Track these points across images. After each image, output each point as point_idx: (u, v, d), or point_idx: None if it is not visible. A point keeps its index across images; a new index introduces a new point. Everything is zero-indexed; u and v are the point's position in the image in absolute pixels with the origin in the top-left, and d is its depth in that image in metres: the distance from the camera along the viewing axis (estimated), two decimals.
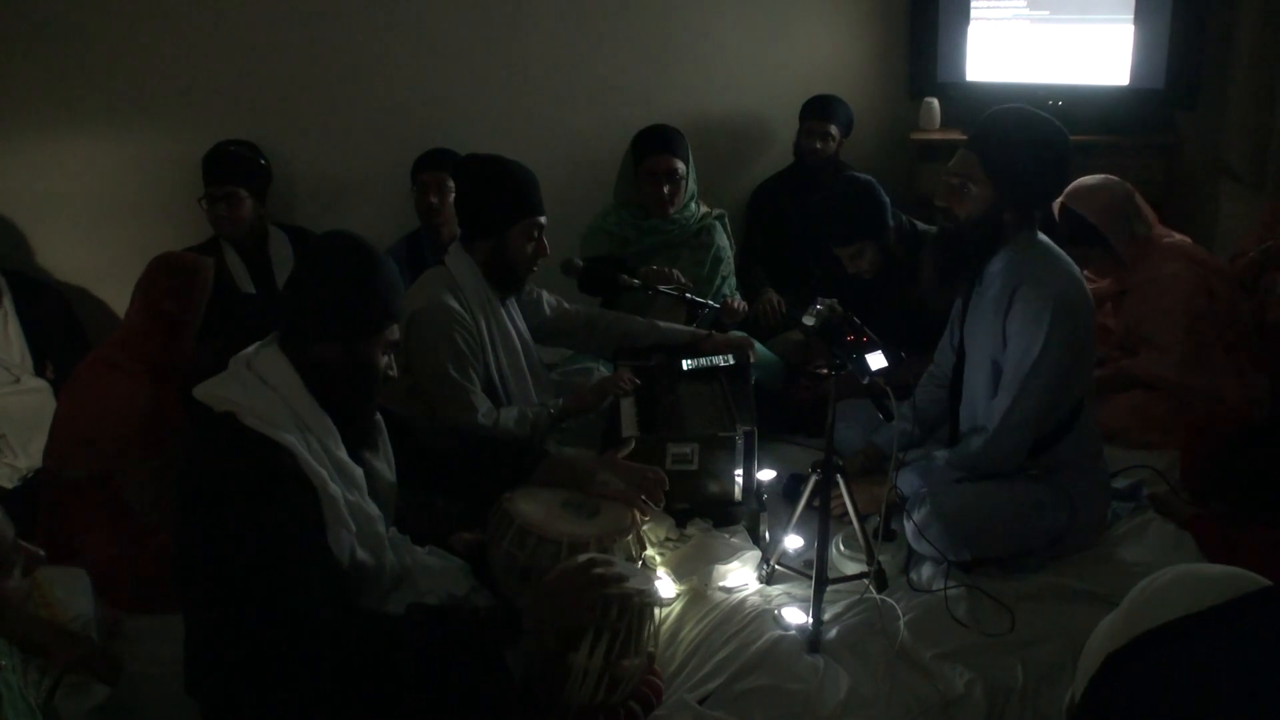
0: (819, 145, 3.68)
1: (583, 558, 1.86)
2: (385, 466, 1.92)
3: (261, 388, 1.69)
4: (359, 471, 1.80)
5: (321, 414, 1.73)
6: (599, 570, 1.78)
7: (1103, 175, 2.95)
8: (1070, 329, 2.16)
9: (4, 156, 3.49)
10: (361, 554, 1.77)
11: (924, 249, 2.40)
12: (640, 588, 1.83)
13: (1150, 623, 0.92)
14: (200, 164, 3.30)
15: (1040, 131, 2.16)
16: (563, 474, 2.13)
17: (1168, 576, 0.97)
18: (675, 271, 3.05)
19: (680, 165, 3.09)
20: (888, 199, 2.88)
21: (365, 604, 1.79)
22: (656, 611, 1.89)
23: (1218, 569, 0.97)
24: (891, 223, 2.88)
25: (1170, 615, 0.92)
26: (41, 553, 1.47)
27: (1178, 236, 2.99)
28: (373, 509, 1.81)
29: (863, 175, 2.96)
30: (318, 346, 1.72)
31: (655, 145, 3.10)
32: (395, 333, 1.79)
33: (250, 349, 1.75)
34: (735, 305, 3.10)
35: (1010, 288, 2.21)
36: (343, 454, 1.76)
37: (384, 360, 1.79)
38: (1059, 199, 2.92)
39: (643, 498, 2.11)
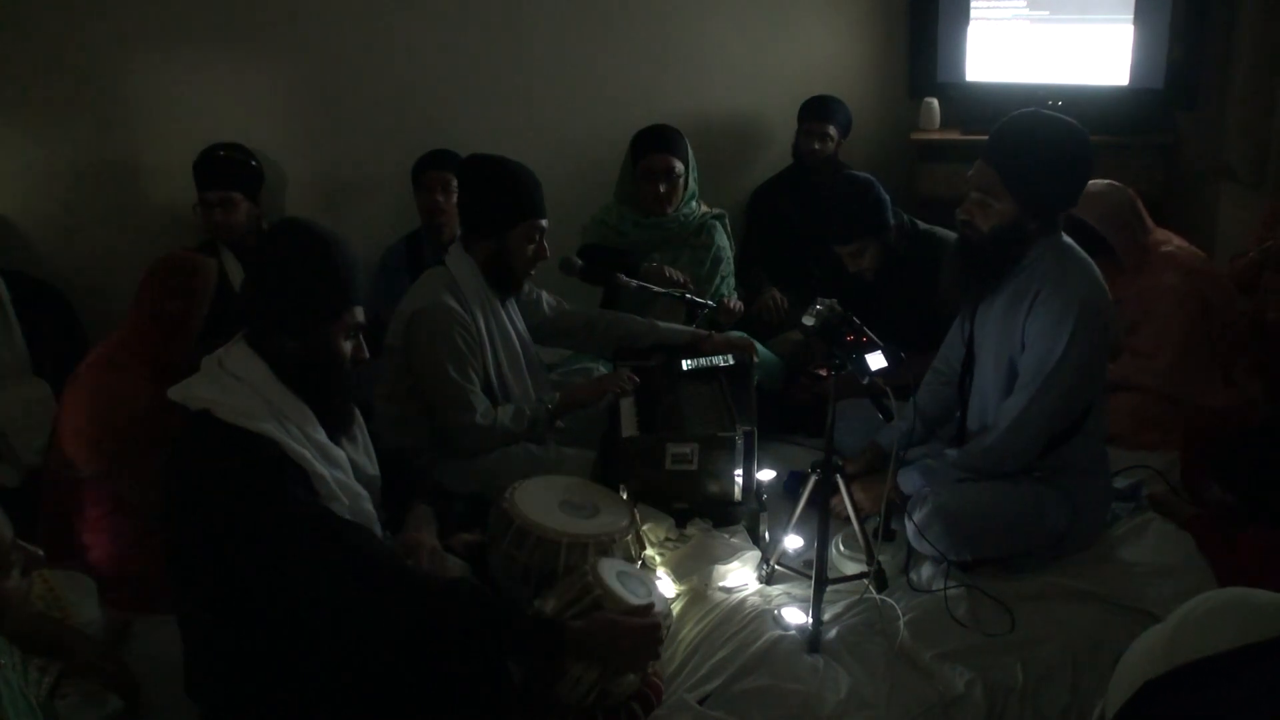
0: (817, 146, 3.69)
1: (647, 614, 1.82)
2: (366, 460, 1.92)
3: (234, 383, 1.69)
4: (341, 453, 1.81)
5: (297, 402, 1.73)
6: (664, 632, 1.79)
7: (1106, 181, 2.95)
8: (1092, 334, 2.16)
9: (5, 156, 3.49)
10: None
11: (944, 258, 2.39)
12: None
13: (1194, 652, 0.88)
14: (193, 166, 3.30)
15: (1058, 139, 2.13)
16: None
17: (1216, 602, 0.92)
18: (675, 271, 3.05)
19: (677, 164, 3.09)
20: (888, 197, 2.88)
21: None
22: (662, 635, 1.90)
23: (1269, 598, 0.91)
24: (892, 221, 2.88)
25: (1215, 647, 0.87)
26: (41, 553, 1.47)
27: (1176, 242, 2.98)
28: (359, 488, 1.82)
29: (862, 174, 2.95)
30: (279, 339, 1.72)
31: (653, 144, 3.10)
32: (357, 316, 1.77)
33: (221, 348, 1.76)
34: (732, 305, 3.09)
35: (1031, 291, 2.20)
36: (323, 437, 1.77)
37: (347, 345, 1.77)
38: None
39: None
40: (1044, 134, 2.14)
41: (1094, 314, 2.16)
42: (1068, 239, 2.25)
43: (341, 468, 1.79)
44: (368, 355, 1.83)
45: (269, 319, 1.72)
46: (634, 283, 2.92)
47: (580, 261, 2.97)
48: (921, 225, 2.96)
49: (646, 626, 1.77)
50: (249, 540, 1.59)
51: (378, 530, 1.86)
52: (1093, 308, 2.16)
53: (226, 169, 3.27)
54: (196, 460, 1.66)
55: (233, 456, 1.63)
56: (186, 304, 2.42)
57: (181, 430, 1.71)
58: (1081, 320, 2.14)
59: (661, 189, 3.09)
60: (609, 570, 1.91)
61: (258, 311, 1.74)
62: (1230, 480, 2.42)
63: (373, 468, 1.92)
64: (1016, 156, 2.14)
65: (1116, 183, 2.95)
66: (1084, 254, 2.25)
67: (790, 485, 2.62)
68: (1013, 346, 2.25)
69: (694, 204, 3.22)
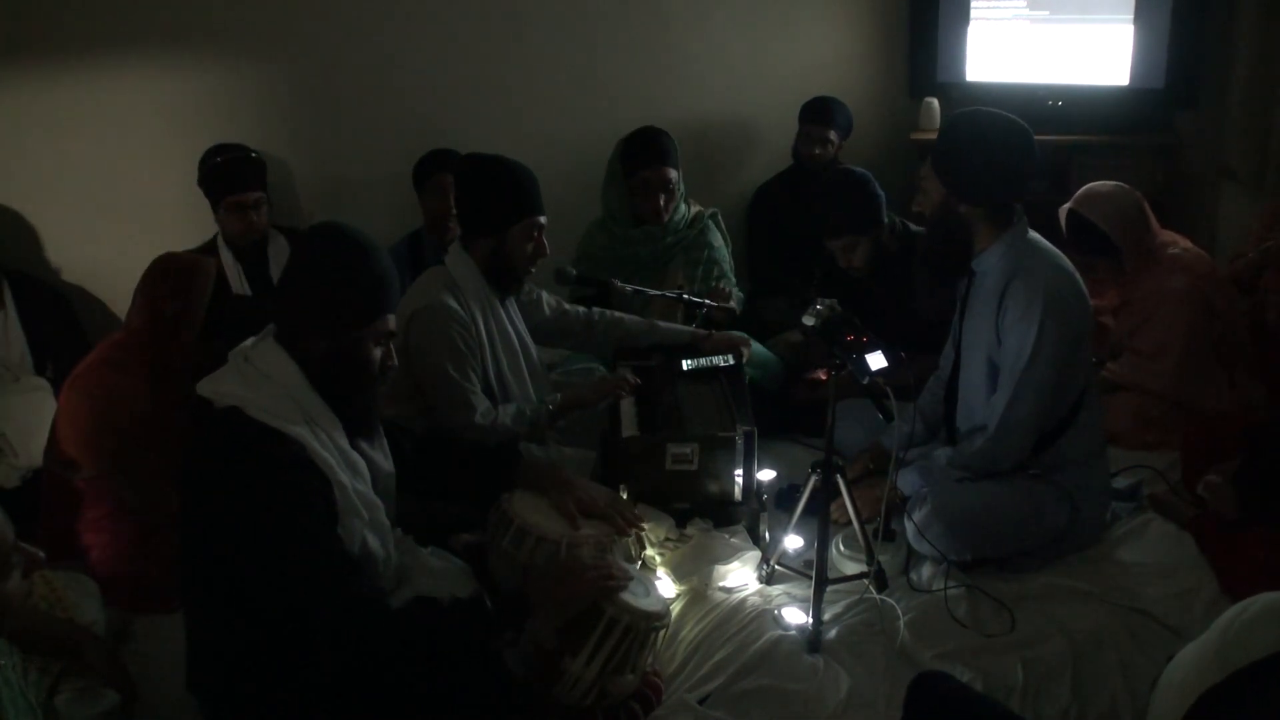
0: (818, 151, 3.69)
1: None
2: (382, 457, 1.92)
3: (264, 381, 1.69)
4: (362, 462, 1.81)
5: (323, 405, 1.74)
6: (602, 559, 1.82)
7: (1114, 183, 2.95)
8: (1063, 323, 2.17)
9: (8, 156, 3.49)
10: (372, 541, 1.78)
11: (914, 260, 2.43)
12: (653, 611, 1.84)
13: (1246, 658, 0.90)
14: (208, 172, 3.27)
15: (987, 129, 2.19)
16: (535, 480, 2.12)
17: (1256, 608, 0.94)
18: (678, 279, 3.05)
19: (674, 174, 3.07)
20: (883, 195, 2.89)
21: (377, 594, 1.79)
22: (661, 636, 1.90)
23: None
24: (886, 220, 2.89)
25: (1267, 650, 0.89)
26: (41, 554, 1.47)
27: (1182, 245, 2.98)
28: (376, 499, 1.82)
29: (859, 169, 2.96)
30: (310, 339, 1.72)
31: (648, 157, 3.07)
32: (389, 323, 1.78)
33: (247, 343, 1.76)
34: (725, 290, 3.08)
35: (1001, 286, 2.22)
36: (345, 444, 1.77)
37: (378, 352, 1.78)
38: (1068, 204, 2.92)
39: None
40: (972, 121, 2.22)
41: (1060, 303, 2.17)
42: (1035, 235, 2.27)
43: (362, 477, 1.79)
44: (395, 363, 1.83)
45: (303, 319, 1.72)
46: (629, 288, 2.91)
47: (574, 271, 2.96)
48: (913, 227, 2.97)
49: (586, 560, 1.86)
50: (260, 539, 1.60)
51: (391, 546, 1.86)
52: (1058, 297, 2.17)
53: (251, 169, 3.26)
54: (222, 456, 1.65)
55: (260, 454, 1.63)
56: (185, 304, 2.43)
57: (205, 426, 1.70)
58: (1049, 310, 2.15)
59: (660, 201, 3.08)
60: None
61: (292, 310, 1.74)
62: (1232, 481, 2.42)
63: (388, 465, 1.92)
64: (943, 140, 2.30)
65: (1124, 184, 2.95)
66: (1052, 248, 2.27)
67: (784, 500, 2.60)
68: (989, 344, 2.27)
69: (683, 205, 3.20)
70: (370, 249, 1.75)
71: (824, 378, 2.76)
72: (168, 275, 2.45)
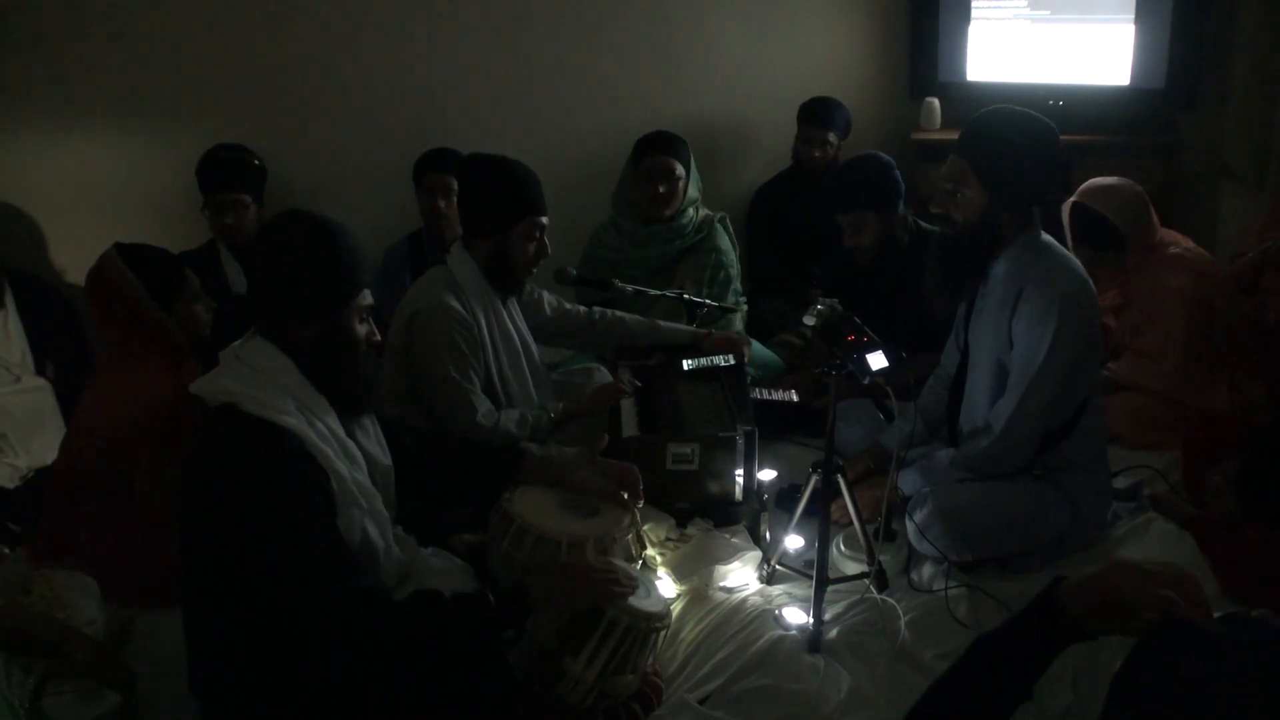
0: (817, 154, 3.69)
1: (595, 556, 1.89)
2: (379, 450, 1.92)
3: (256, 375, 1.69)
4: (359, 452, 1.81)
5: (317, 395, 1.74)
6: (610, 559, 1.81)
7: (1117, 176, 2.95)
8: (1077, 329, 2.16)
9: (12, 157, 3.49)
10: (373, 532, 1.78)
11: (927, 256, 2.40)
12: (654, 611, 1.84)
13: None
14: (202, 165, 3.28)
15: (1028, 130, 2.16)
16: (543, 473, 2.11)
17: None
18: (684, 281, 3.05)
19: (677, 166, 3.09)
20: (903, 185, 2.90)
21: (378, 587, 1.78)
22: (661, 636, 1.90)
23: None
24: (900, 210, 2.89)
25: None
26: (7, 550, 1.46)
27: (1184, 244, 2.97)
28: (374, 489, 1.82)
29: (885, 155, 2.97)
30: (296, 328, 1.73)
31: (652, 146, 3.10)
32: (367, 298, 1.79)
33: (236, 343, 1.76)
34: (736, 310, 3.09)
35: (1016, 289, 2.21)
36: (342, 433, 1.77)
37: (363, 328, 1.79)
38: (1073, 198, 2.92)
39: (624, 495, 2.09)
40: (1011, 123, 2.17)
41: (1077, 309, 2.17)
42: (1048, 237, 2.26)
43: (360, 467, 1.79)
44: (379, 337, 1.84)
45: (283, 310, 1.73)
46: (630, 288, 2.91)
47: (574, 272, 2.96)
48: (925, 225, 2.97)
49: (591, 561, 1.84)
50: (258, 535, 1.60)
51: (391, 539, 1.87)
52: (1075, 303, 2.17)
53: (233, 171, 3.26)
54: (218, 452, 1.66)
55: (256, 449, 1.63)
56: (124, 299, 2.37)
57: (202, 424, 1.71)
58: (1065, 316, 2.14)
59: (661, 190, 3.08)
60: None
61: (270, 304, 1.74)
62: (1232, 482, 2.42)
63: (385, 458, 1.92)
64: (985, 144, 2.17)
65: (1127, 179, 2.95)
66: (1065, 251, 2.26)
67: (784, 500, 2.60)
68: (1001, 346, 2.26)
69: (692, 210, 3.20)
70: (336, 228, 1.75)
71: (796, 399, 2.79)
72: (91, 296, 2.40)
